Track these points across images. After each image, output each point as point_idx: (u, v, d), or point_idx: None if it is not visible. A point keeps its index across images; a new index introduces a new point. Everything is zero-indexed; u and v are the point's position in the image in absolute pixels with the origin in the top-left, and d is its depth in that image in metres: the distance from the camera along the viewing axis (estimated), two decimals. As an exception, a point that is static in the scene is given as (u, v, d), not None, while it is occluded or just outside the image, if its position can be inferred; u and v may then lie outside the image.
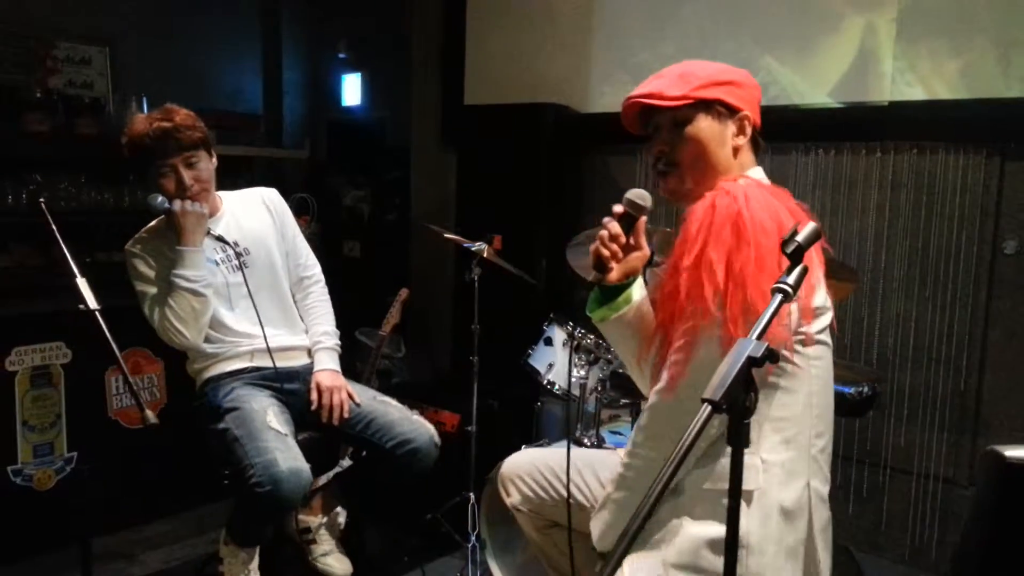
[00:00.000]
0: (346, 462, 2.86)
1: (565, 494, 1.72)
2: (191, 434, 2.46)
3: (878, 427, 3.07)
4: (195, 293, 2.26)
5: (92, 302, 1.71)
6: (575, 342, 2.72)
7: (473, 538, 2.85)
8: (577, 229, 3.12)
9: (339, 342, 2.57)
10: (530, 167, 3.63)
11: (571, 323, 2.78)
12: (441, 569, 3.01)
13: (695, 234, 1.34)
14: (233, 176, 3.78)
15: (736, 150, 1.48)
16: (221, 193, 2.49)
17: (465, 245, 2.76)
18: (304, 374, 2.48)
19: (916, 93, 2.89)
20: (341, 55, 5.17)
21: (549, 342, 2.81)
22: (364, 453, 2.56)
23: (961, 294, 2.88)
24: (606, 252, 1.51)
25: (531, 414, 3.18)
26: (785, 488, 1.37)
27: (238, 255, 2.40)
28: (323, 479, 2.70)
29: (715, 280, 1.29)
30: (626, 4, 3.65)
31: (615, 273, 1.53)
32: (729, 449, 1.12)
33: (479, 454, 2.92)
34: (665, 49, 3.54)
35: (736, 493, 1.02)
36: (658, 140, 1.52)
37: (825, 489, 1.47)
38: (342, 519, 2.70)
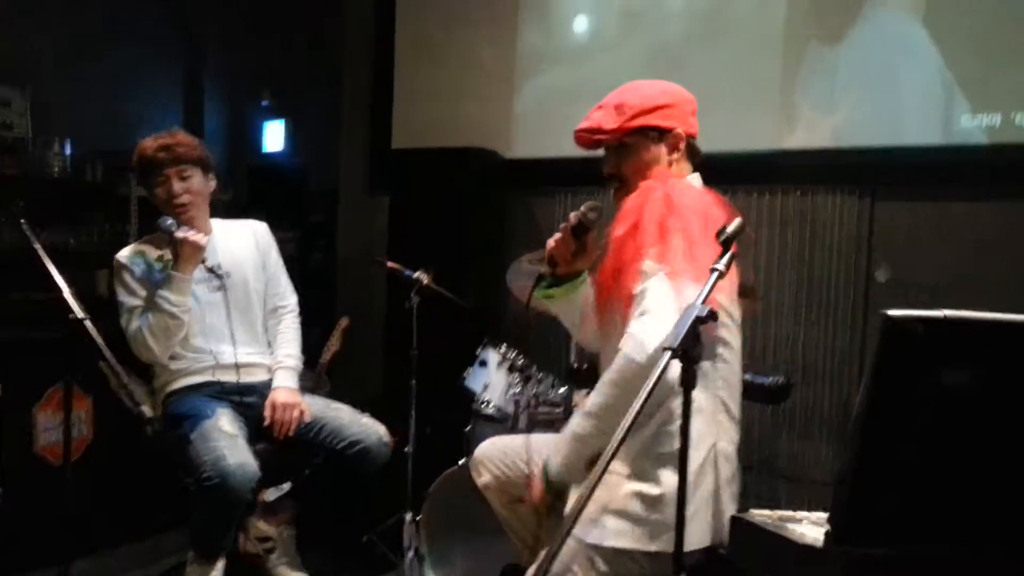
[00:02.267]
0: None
1: (528, 472, 1.96)
2: (119, 468, 2.55)
3: (772, 438, 3.43)
4: (173, 316, 2.41)
5: (79, 312, 1.84)
6: (508, 362, 2.96)
7: (410, 555, 3.00)
8: (503, 266, 3.40)
9: (300, 365, 2.74)
10: (458, 209, 3.89)
11: (504, 345, 3.02)
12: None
13: (628, 211, 1.66)
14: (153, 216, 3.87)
15: (671, 163, 1.81)
16: (215, 220, 2.69)
17: (407, 273, 2.98)
18: (262, 389, 2.63)
19: (799, 142, 3.34)
20: (264, 103, 5.34)
21: (484, 364, 3.03)
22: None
23: (841, 317, 3.30)
24: (557, 250, 1.85)
25: (462, 437, 3.38)
26: (694, 450, 1.64)
27: (219, 277, 2.56)
28: (281, 488, 2.81)
29: (651, 239, 1.60)
30: (545, 54, 3.99)
31: (563, 269, 1.86)
32: (654, 420, 1.44)
33: (414, 475, 3.10)
34: (582, 102, 3.89)
35: (686, 431, 1.29)
36: (606, 163, 1.84)
37: (731, 448, 1.78)
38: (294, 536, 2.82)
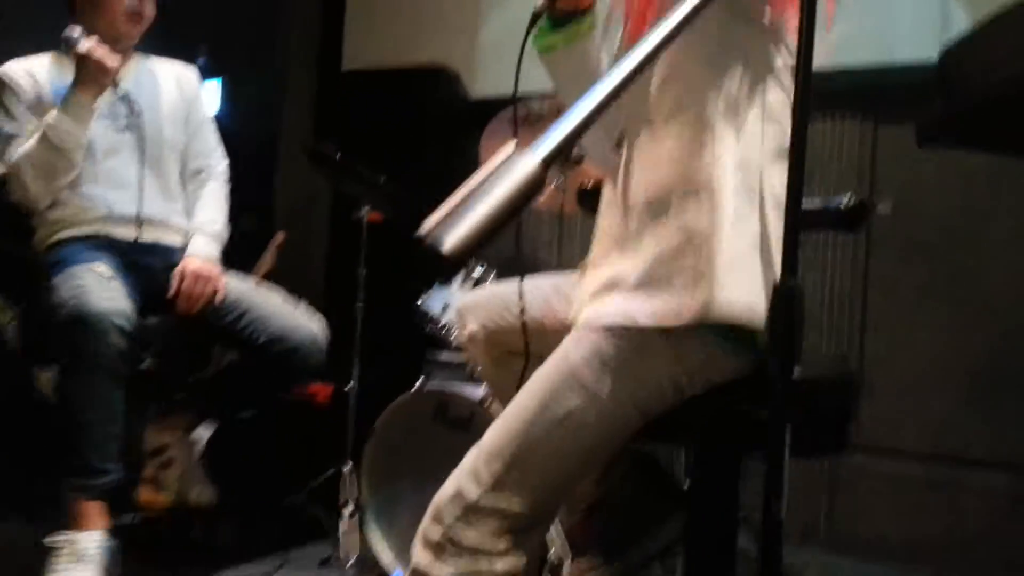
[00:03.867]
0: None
1: (522, 318, 1.52)
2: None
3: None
4: (62, 150, 1.92)
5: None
6: (473, 279, 2.54)
7: (347, 513, 2.51)
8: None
9: (224, 234, 2.27)
10: (418, 139, 3.49)
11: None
12: (305, 558, 2.62)
13: None
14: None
15: None
16: (140, 54, 2.33)
17: (360, 171, 2.56)
18: (168, 254, 2.14)
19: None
20: (200, 60, 4.91)
21: (445, 282, 2.61)
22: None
23: (841, 257, 2.98)
24: None
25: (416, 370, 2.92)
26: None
27: (132, 113, 2.10)
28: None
29: None
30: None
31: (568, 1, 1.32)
32: None
33: (357, 419, 2.64)
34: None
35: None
36: None
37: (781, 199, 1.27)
38: (201, 445, 2.30)
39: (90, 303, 1.77)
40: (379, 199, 2.64)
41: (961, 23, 2.81)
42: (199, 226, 2.21)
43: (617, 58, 1.38)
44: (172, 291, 2.06)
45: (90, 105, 1.97)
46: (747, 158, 1.22)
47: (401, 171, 3.49)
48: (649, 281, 1.20)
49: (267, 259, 2.73)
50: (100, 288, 1.83)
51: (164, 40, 4.91)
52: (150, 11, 2.20)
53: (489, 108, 3.64)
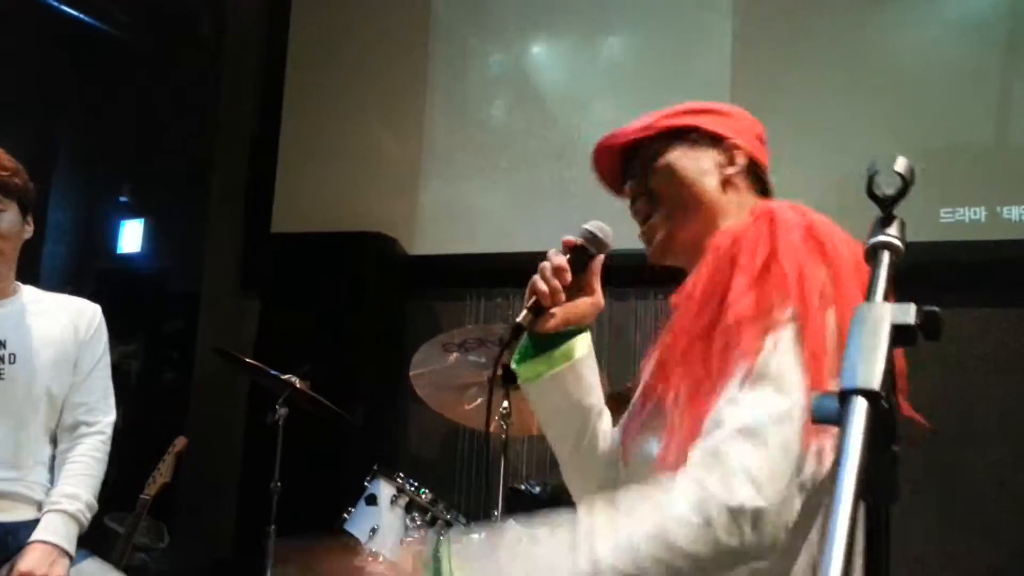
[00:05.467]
0: None
1: None
2: None
3: None
4: None
5: None
6: (406, 498, 2.18)
7: None
8: (398, 377, 2.68)
9: (88, 513, 1.82)
10: (347, 306, 3.17)
11: (400, 476, 2.25)
12: None
13: (731, 247, 0.99)
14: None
15: (727, 183, 1.15)
16: (27, 288, 1.97)
17: (273, 373, 2.22)
18: (13, 534, 1.71)
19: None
20: (123, 199, 4.59)
21: (372, 500, 2.24)
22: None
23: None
24: (545, 288, 1.11)
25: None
26: None
27: (3, 361, 1.74)
28: None
29: (784, 291, 0.91)
30: (455, 145, 3.49)
31: (555, 319, 1.13)
32: None
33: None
34: (499, 193, 3.38)
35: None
36: (632, 187, 1.18)
37: None
38: None
39: None
40: (299, 396, 2.29)
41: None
42: (56, 501, 1.79)
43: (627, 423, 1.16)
44: None
45: None
46: None
47: (331, 330, 3.18)
48: None
49: (163, 470, 2.32)
50: None
51: (87, 177, 4.66)
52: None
53: (426, 263, 3.40)
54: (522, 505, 2.30)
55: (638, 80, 3.32)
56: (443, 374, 2.18)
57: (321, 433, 2.50)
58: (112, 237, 4.62)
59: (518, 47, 3.57)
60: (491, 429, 2.01)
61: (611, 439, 1.19)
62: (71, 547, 1.77)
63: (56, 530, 1.75)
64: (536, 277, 1.13)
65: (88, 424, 1.92)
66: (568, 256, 1.14)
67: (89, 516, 1.83)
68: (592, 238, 1.16)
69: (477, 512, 2.37)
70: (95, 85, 4.46)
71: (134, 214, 4.59)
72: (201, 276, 3.97)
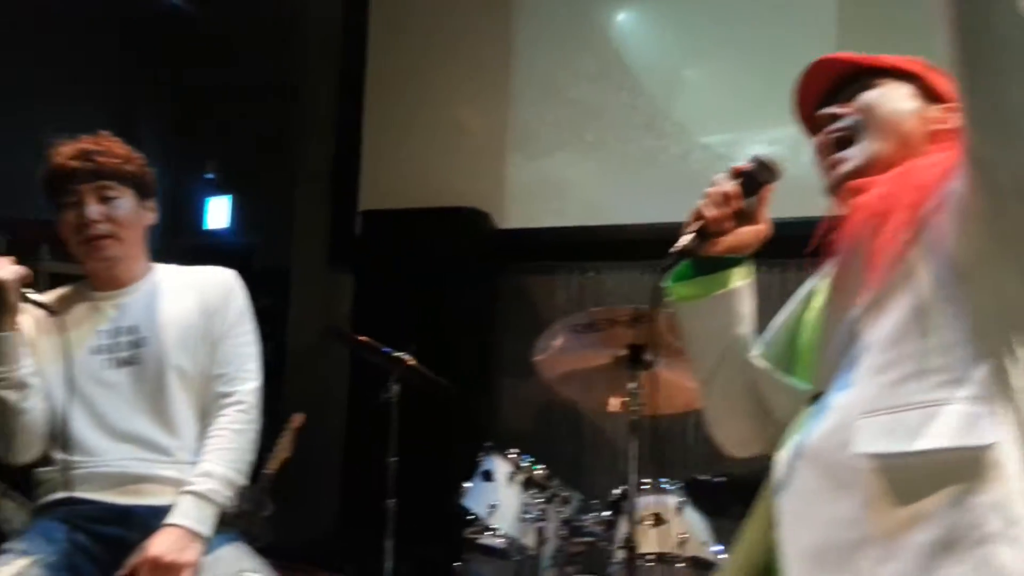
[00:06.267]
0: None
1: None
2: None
3: None
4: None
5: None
6: (524, 475, 2.21)
7: None
8: (498, 354, 2.69)
9: (224, 490, 1.76)
10: (446, 278, 3.20)
11: (515, 451, 2.28)
12: None
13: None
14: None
15: (934, 138, 1.10)
16: (163, 266, 1.93)
17: (385, 350, 2.25)
18: (145, 519, 1.70)
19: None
20: (208, 175, 4.68)
21: (488, 476, 2.28)
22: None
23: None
24: (713, 213, 1.12)
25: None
26: None
27: (134, 345, 1.77)
28: None
29: None
30: (541, 117, 3.47)
31: (718, 246, 1.14)
32: None
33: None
34: (587, 166, 3.35)
35: None
36: (839, 110, 1.15)
37: None
38: None
39: None
40: (410, 374, 2.33)
41: None
42: (189, 482, 1.73)
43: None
44: None
45: (9, 334, 1.62)
46: None
47: (426, 306, 3.22)
48: None
49: (283, 447, 2.39)
50: None
51: (172, 154, 4.75)
52: (109, 224, 1.78)
53: (516, 237, 3.41)
54: (704, 494, 2.29)
55: (729, 46, 3.24)
56: (569, 358, 2.17)
57: (426, 409, 2.53)
58: (198, 213, 4.75)
59: (603, 15, 3.52)
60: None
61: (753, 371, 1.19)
62: (204, 529, 1.70)
63: (186, 512, 1.70)
64: (704, 202, 1.13)
65: (226, 395, 1.86)
66: (738, 182, 1.14)
67: (227, 493, 1.76)
68: (762, 165, 1.15)
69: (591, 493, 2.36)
70: (177, 65, 4.54)
71: (220, 191, 4.69)
72: (289, 252, 4.05)
